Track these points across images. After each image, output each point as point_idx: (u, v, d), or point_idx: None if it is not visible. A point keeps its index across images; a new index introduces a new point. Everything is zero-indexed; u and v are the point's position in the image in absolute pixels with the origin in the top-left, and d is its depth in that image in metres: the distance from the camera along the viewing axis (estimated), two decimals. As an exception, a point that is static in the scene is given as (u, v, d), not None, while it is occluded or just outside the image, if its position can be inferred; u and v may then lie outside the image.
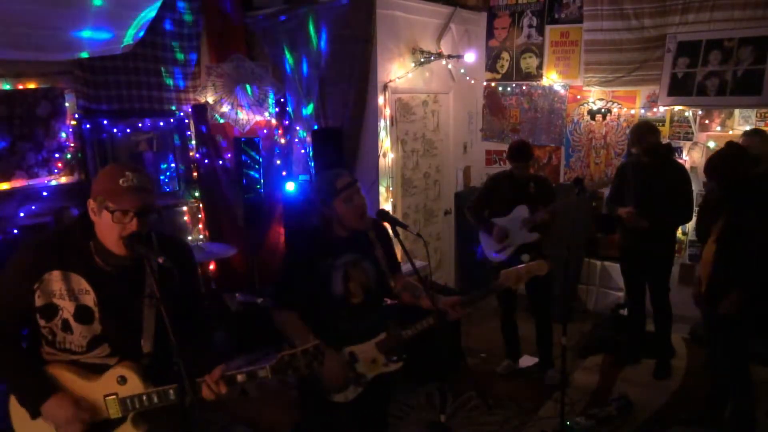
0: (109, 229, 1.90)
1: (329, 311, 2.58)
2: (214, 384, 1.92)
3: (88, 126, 4.61)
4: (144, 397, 1.98)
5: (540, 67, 5.94)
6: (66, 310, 1.97)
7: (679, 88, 5.00)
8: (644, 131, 4.25)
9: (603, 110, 5.65)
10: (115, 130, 4.78)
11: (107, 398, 1.99)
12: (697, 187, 4.93)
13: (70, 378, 2.00)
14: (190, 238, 5.28)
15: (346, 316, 2.58)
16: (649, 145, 4.18)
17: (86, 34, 3.95)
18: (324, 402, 2.59)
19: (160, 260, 1.84)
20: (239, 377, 1.98)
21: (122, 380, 1.99)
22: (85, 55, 4.19)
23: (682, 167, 4.46)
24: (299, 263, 2.61)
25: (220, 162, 5.42)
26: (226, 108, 5.25)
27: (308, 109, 5.37)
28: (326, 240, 2.63)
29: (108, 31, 4.02)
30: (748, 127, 4.90)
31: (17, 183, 4.29)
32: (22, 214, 4.26)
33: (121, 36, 4.16)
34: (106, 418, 2.01)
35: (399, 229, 2.62)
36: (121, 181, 1.88)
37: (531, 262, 2.73)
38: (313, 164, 5.12)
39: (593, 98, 5.67)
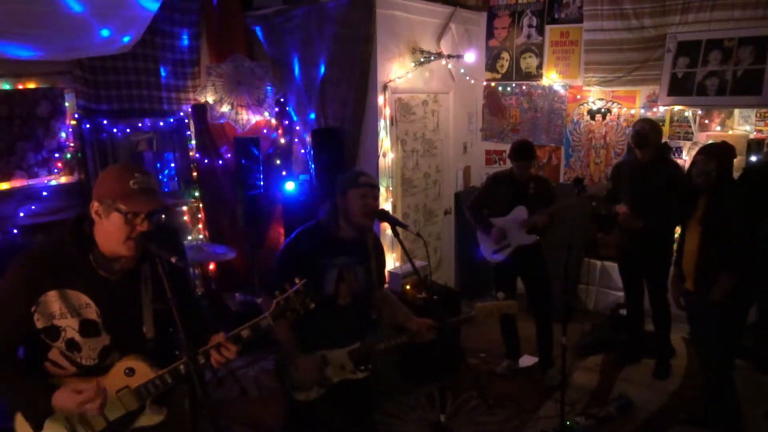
0: (118, 230, 1.88)
1: (316, 308, 2.59)
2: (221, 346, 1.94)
3: (87, 126, 4.61)
4: (157, 381, 1.98)
5: (540, 67, 5.94)
6: (70, 328, 1.94)
7: (679, 88, 5.00)
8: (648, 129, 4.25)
9: (603, 110, 5.65)
10: (115, 130, 4.78)
11: (120, 393, 1.97)
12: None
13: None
14: (189, 237, 5.29)
15: (330, 316, 2.65)
16: (650, 143, 4.19)
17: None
18: (297, 402, 2.68)
19: (173, 260, 1.85)
20: (244, 333, 1.99)
21: (130, 372, 1.98)
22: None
23: (678, 166, 4.44)
24: (297, 256, 2.66)
25: (220, 162, 5.42)
26: (226, 108, 5.25)
27: (308, 109, 5.37)
28: (328, 238, 2.70)
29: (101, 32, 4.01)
30: (748, 127, 4.91)
31: (17, 183, 4.30)
32: (22, 214, 4.27)
33: (118, 38, 4.16)
34: (124, 413, 1.99)
35: (399, 229, 2.62)
36: (131, 183, 1.88)
37: (504, 301, 2.94)
38: (313, 164, 5.12)
39: (593, 98, 5.66)
